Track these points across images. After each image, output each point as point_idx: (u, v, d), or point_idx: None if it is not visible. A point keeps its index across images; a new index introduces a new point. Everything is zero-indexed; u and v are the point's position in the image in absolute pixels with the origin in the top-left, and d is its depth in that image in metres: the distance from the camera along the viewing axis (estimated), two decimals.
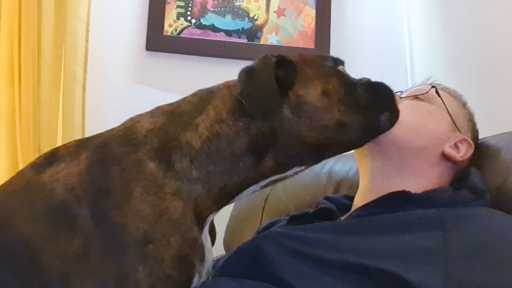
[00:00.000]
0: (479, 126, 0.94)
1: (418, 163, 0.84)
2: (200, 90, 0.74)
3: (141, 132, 0.67)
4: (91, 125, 1.47)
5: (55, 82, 1.40)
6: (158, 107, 0.72)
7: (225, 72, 1.63)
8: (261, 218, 1.23)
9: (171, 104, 0.72)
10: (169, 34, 1.64)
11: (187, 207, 0.63)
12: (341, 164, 1.20)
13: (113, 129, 0.70)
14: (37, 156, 1.31)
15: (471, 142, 0.87)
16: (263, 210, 1.23)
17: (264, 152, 0.68)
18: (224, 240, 1.33)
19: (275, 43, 1.69)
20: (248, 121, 0.67)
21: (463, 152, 0.86)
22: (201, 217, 0.66)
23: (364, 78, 0.81)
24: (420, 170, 0.84)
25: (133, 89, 1.61)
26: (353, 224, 0.78)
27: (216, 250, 1.32)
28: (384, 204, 0.79)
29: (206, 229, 0.69)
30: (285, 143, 0.68)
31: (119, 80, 1.60)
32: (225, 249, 1.33)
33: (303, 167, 0.73)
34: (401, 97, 0.90)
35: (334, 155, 0.76)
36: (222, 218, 1.27)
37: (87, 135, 1.44)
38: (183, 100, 0.72)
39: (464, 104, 0.93)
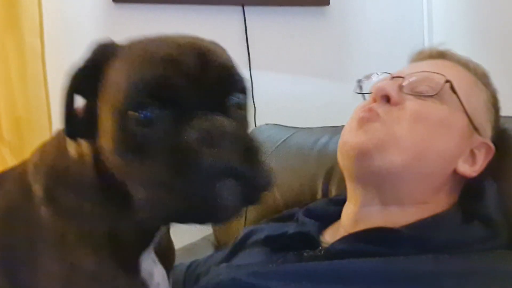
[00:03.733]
0: (503, 108, 0.76)
1: (421, 190, 0.70)
2: None
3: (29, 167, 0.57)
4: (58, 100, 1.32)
5: (12, 59, 1.23)
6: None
7: (206, 21, 1.45)
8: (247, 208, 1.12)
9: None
10: None
11: (102, 252, 0.54)
12: (334, 144, 1.04)
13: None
14: (2, 146, 1.22)
15: (491, 145, 0.71)
16: None
17: None
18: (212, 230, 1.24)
19: None
20: None
21: (480, 163, 0.71)
22: (125, 259, 0.56)
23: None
24: (423, 197, 0.70)
25: None
26: (332, 269, 0.65)
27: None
28: (373, 240, 0.67)
29: (147, 262, 0.59)
30: None
31: (85, 42, 1.40)
32: (213, 232, 1.25)
33: None
34: (402, 91, 0.71)
35: None
36: None
37: (54, 116, 1.32)
38: None
39: (486, 84, 0.75)
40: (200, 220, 0.46)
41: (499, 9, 1.12)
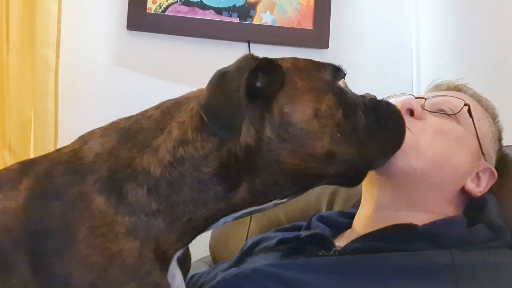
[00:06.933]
0: None
1: (433, 199, 0.74)
2: (165, 101, 0.62)
3: (88, 157, 0.57)
4: (66, 115, 1.35)
5: (24, 68, 1.26)
6: (113, 123, 0.61)
7: (214, 54, 1.53)
8: (249, 225, 1.14)
9: (129, 119, 0.61)
10: (152, 11, 1.49)
11: (145, 247, 0.54)
12: None
13: (61, 149, 0.60)
14: (7, 154, 1.23)
15: (495, 172, 0.77)
16: (251, 216, 1.14)
17: (238, 180, 0.58)
18: (210, 244, 1.25)
19: (270, 23, 1.54)
20: (218, 141, 0.56)
21: (484, 185, 0.76)
22: (164, 258, 0.56)
23: (368, 95, 0.68)
24: (434, 206, 0.74)
25: (112, 73, 1.47)
26: (350, 262, 0.68)
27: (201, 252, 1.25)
28: (388, 238, 0.70)
29: (173, 265, 0.59)
30: (262, 169, 0.57)
31: (97, 63, 1.46)
32: (211, 253, 1.25)
33: (284, 200, 0.62)
34: (425, 109, 0.77)
35: (322, 184, 0.66)
36: None
37: (60, 127, 1.34)
38: (144, 114, 0.61)
39: (494, 119, 0.82)
40: (394, 150, 0.67)
41: (489, 23, 1.23)
